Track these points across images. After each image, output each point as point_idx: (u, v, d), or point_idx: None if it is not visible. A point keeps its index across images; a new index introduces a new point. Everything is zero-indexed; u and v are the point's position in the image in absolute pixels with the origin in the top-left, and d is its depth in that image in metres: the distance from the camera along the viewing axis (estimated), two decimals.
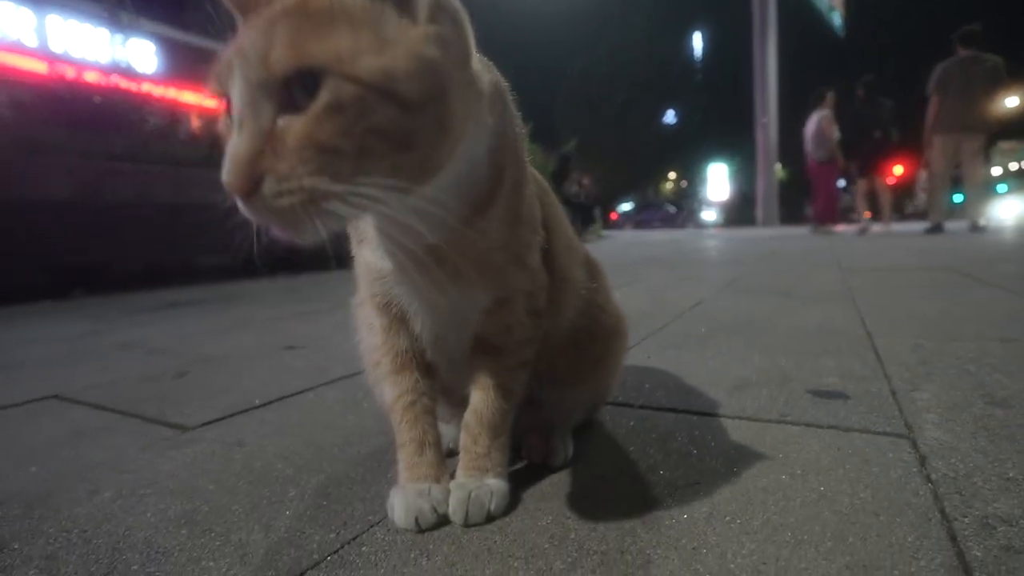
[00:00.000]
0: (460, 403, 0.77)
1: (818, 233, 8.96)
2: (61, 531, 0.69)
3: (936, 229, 6.82)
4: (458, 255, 0.62)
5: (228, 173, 0.44)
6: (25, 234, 4.09)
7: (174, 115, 9.42)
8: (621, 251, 6.84)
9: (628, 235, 14.47)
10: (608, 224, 19.18)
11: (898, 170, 10.51)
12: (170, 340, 2.03)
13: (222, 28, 0.49)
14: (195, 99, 11.48)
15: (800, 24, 22.67)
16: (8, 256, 3.96)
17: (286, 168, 0.43)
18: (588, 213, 10.90)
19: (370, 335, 0.77)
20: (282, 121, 0.44)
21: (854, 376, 1.19)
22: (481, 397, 0.71)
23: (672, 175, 39.06)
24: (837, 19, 24.49)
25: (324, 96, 0.42)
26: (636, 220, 26.22)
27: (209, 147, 6.59)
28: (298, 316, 2.50)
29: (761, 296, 2.54)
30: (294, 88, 0.43)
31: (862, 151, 7.95)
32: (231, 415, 1.13)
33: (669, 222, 25.09)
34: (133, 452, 0.96)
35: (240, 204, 0.45)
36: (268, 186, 0.43)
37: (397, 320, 0.72)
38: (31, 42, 9.55)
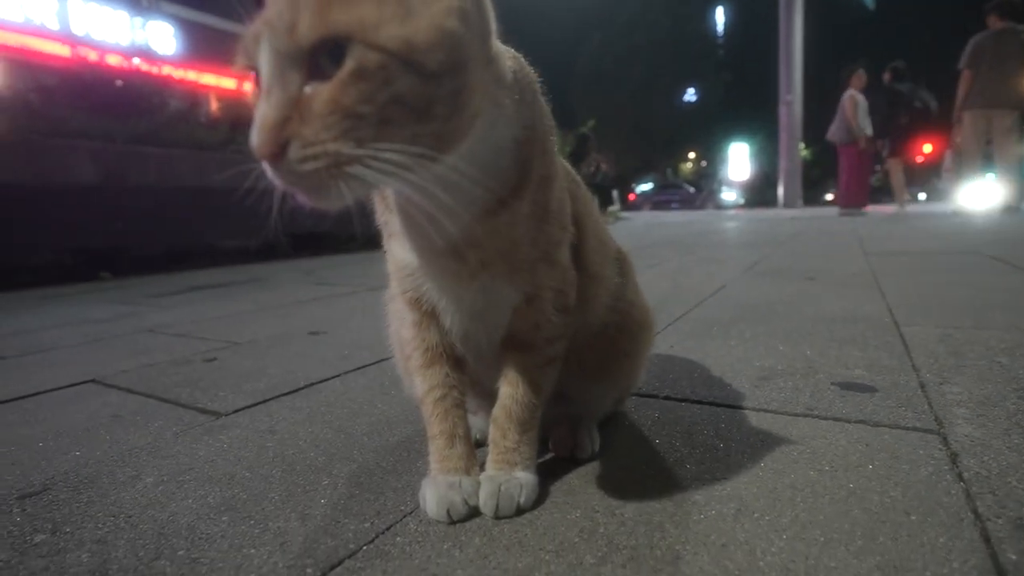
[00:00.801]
0: (489, 395, 0.78)
1: (845, 215, 8.76)
2: (108, 515, 0.72)
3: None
4: (482, 248, 0.63)
5: (256, 138, 0.45)
6: (53, 218, 4.18)
7: (195, 98, 9.49)
8: (640, 233, 6.78)
9: (647, 216, 14.32)
10: (626, 205, 18.99)
11: (927, 149, 10.20)
12: (196, 324, 2.08)
13: (242, 8, 0.49)
14: (215, 81, 11.54)
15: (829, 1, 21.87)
16: (37, 239, 4.07)
17: (311, 133, 0.44)
18: (606, 195, 10.79)
19: (401, 328, 0.78)
20: (309, 89, 0.45)
21: (881, 367, 1.17)
22: (510, 392, 0.72)
23: (692, 155, 38.38)
24: None
25: (349, 63, 0.44)
26: (655, 201, 25.89)
27: (229, 129, 6.64)
28: (319, 300, 2.54)
29: (784, 280, 2.50)
30: (320, 57, 0.45)
31: (892, 131, 7.73)
32: (262, 401, 1.16)
33: (688, 203, 24.75)
34: (170, 437, 0.99)
35: (268, 169, 0.47)
36: (294, 151, 0.45)
37: (427, 315, 0.72)
38: (53, 25, 9.64)
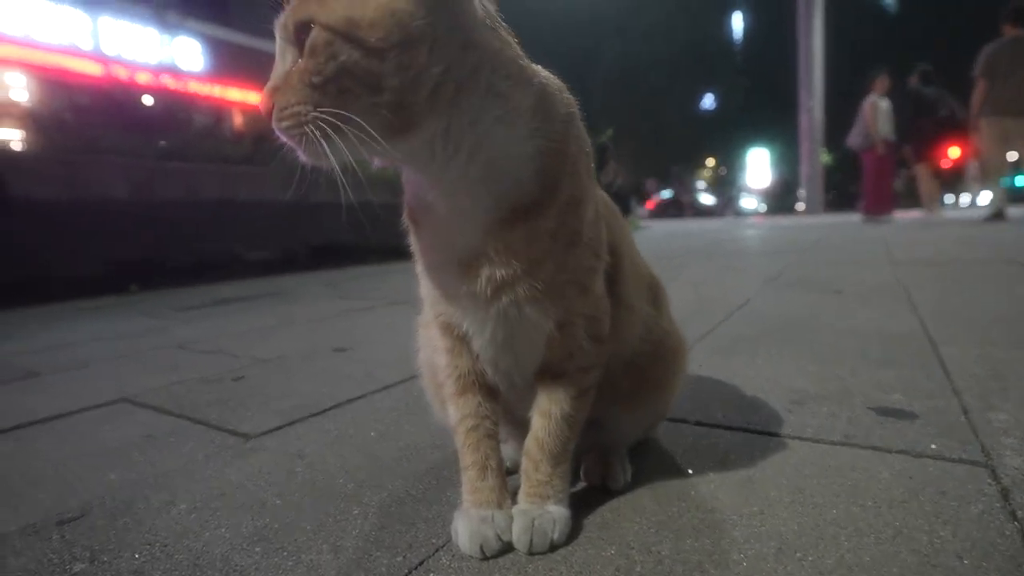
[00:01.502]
0: (521, 424, 0.78)
1: (869, 222, 8.60)
2: (144, 544, 0.73)
3: (996, 217, 6.45)
4: (496, 264, 0.62)
5: (260, 101, 0.57)
6: (85, 232, 4.29)
7: (220, 113, 9.70)
8: (661, 242, 6.73)
9: (666, 225, 14.21)
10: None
11: (954, 153, 9.99)
12: (223, 340, 2.11)
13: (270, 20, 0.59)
14: (240, 96, 11.79)
15: (849, 1, 21.61)
16: (72, 253, 4.18)
17: (283, 99, 0.55)
18: (625, 204, 10.76)
19: (434, 355, 0.78)
20: (296, 64, 0.55)
21: (920, 391, 1.14)
22: (542, 424, 0.71)
23: (710, 162, 38.06)
24: None
25: (308, 43, 0.53)
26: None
27: (253, 144, 6.77)
28: (342, 315, 2.56)
29: (810, 293, 2.45)
30: (303, 40, 0.54)
31: (915, 135, 7.59)
32: (290, 423, 1.17)
33: (707, 210, 24.51)
34: (201, 460, 1.00)
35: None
36: (275, 111, 0.55)
37: (459, 341, 0.72)
38: (86, 45, 9.97)
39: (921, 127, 7.51)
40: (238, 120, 11.24)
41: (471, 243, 0.63)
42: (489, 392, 0.74)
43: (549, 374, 0.71)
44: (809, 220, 12.08)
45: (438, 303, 0.71)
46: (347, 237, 6.10)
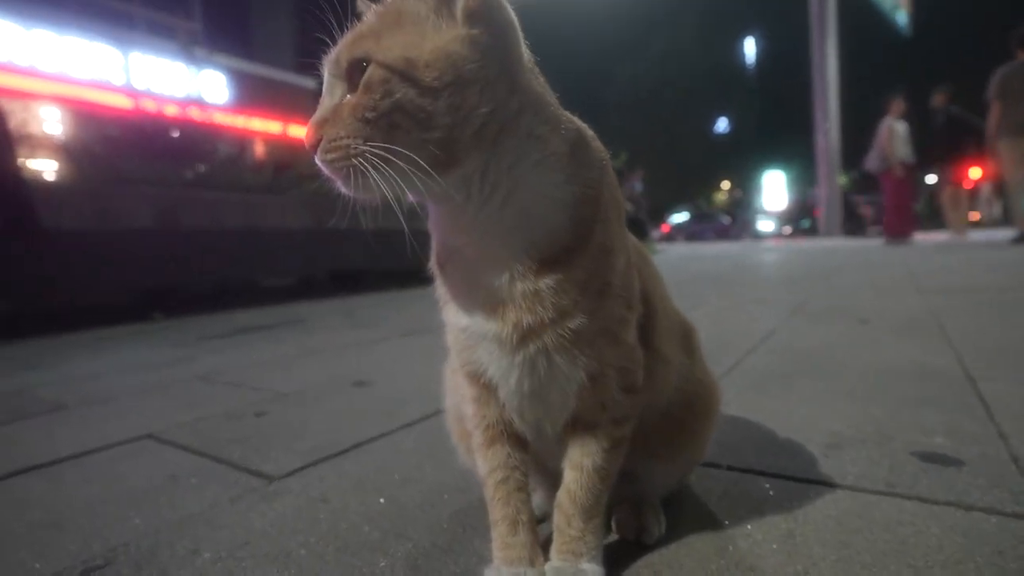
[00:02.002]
0: (551, 473, 0.76)
1: (891, 245, 8.48)
2: None
3: (1022, 240, 6.32)
4: (522, 311, 0.61)
5: (305, 133, 0.59)
6: (112, 260, 4.39)
7: (242, 142, 9.96)
8: (677, 267, 6.68)
9: (682, 248, 14.15)
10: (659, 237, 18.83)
11: (975, 173, 9.86)
12: (245, 371, 2.12)
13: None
14: (261, 126, 12.11)
15: (862, 24, 21.70)
16: (98, 281, 4.27)
17: (334, 131, 0.56)
18: (641, 228, 10.76)
19: (462, 404, 0.76)
20: (346, 99, 0.57)
21: (963, 434, 1.09)
22: (575, 477, 0.69)
23: (725, 184, 37.99)
24: (902, 18, 23.24)
25: (364, 79, 0.55)
26: (689, 232, 25.58)
27: (273, 173, 6.93)
28: (361, 346, 2.56)
29: (836, 323, 2.40)
30: (355, 76, 0.56)
31: (942, 157, 7.55)
32: (312, 463, 1.16)
33: (723, 234, 24.36)
34: (225, 504, 0.99)
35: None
36: (322, 144, 0.57)
37: (486, 390, 0.71)
38: (118, 80, 10.37)
39: (959, 146, 7.46)
40: (260, 149, 11.56)
41: (499, 288, 0.62)
42: (518, 442, 0.73)
43: (581, 425, 0.69)
44: (828, 243, 11.94)
45: (464, 351, 0.70)
46: (363, 263, 6.17)
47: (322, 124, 0.58)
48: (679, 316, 0.85)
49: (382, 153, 0.54)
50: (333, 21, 0.61)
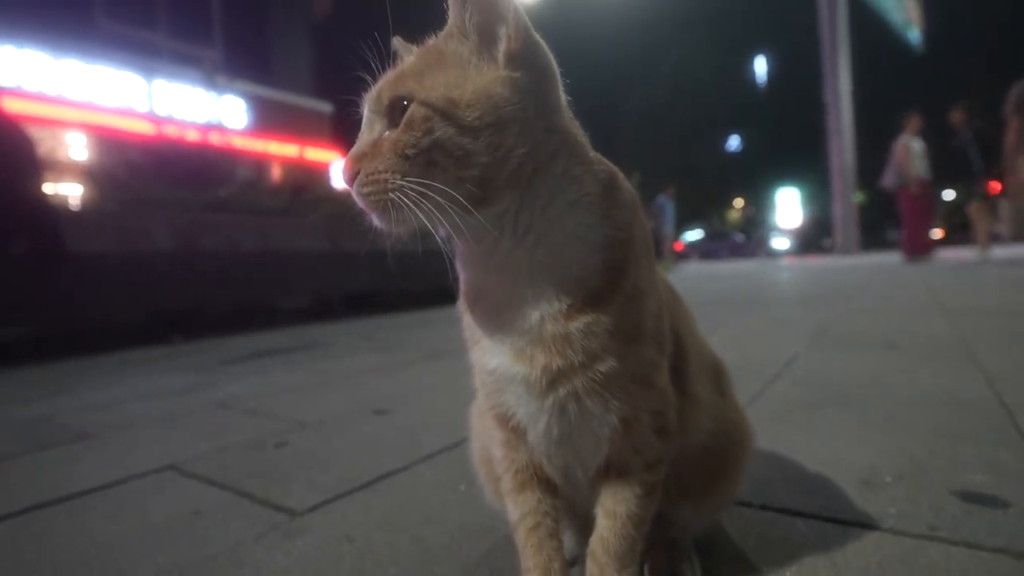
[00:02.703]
0: (580, 516, 0.74)
1: (910, 263, 8.36)
2: None
3: None
4: (553, 354, 0.60)
5: (342, 167, 0.60)
6: (133, 283, 4.47)
7: (260, 166, 10.16)
8: (693, 287, 6.63)
9: (696, 267, 14.06)
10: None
11: (994, 189, 9.74)
12: (264, 399, 2.12)
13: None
14: (279, 149, 12.37)
15: (874, 41, 21.71)
16: (119, 303, 4.34)
17: (372, 165, 0.57)
18: (656, 248, 10.78)
19: (491, 446, 0.75)
20: (384, 135, 0.59)
21: (1006, 472, 1.05)
22: (608, 525, 0.67)
23: (738, 202, 37.85)
24: (914, 35, 23.23)
25: (405, 116, 0.56)
26: (703, 250, 25.45)
27: (290, 195, 7.03)
28: (379, 371, 2.56)
29: (861, 349, 2.35)
30: (395, 114, 0.58)
31: (971, 174, 7.48)
32: (335, 498, 1.15)
33: (737, 252, 24.19)
34: (249, 541, 0.98)
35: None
36: (359, 177, 0.58)
37: (515, 434, 0.70)
38: (142, 107, 10.68)
39: (991, 162, 7.40)
40: (276, 172, 11.78)
41: (528, 330, 0.61)
42: (549, 487, 0.71)
43: (614, 471, 0.67)
44: (846, 261, 11.80)
45: (492, 394, 0.69)
46: (379, 284, 6.21)
47: (360, 158, 0.59)
48: (710, 353, 0.83)
49: (420, 188, 0.55)
50: (368, 56, 0.63)
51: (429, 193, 0.55)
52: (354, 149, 0.60)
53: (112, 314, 4.36)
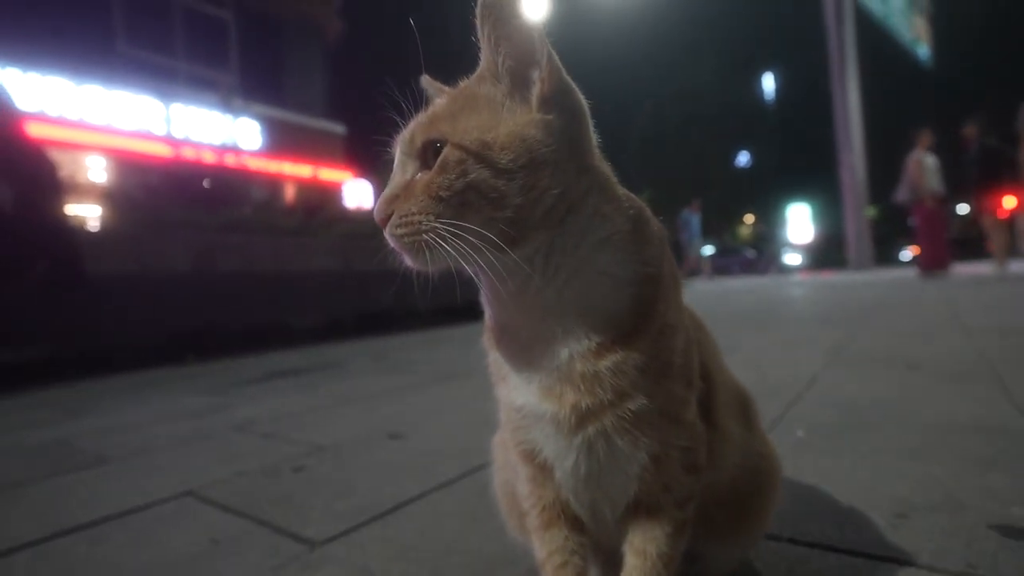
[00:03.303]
0: (605, 551, 0.73)
1: (926, 278, 8.26)
2: None
3: None
4: (581, 392, 0.59)
5: (375, 208, 0.60)
6: (150, 303, 4.52)
7: (274, 187, 10.30)
8: (705, 305, 6.57)
9: (707, 284, 13.97)
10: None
11: (1010, 202, 9.63)
12: (279, 422, 2.12)
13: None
14: (292, 170, 12.56)
15: (883, 56, 21.75)
16: (135, 323, 4.39)
17: (405, 207, 0.58)
18: (681, 262, 10.75)
19: (516, 482, 0.74)
20: (417, 177, 0.59)
21: None
22: (638, 564, 0.66)
23: (749, 218, 37.74)
24: (923, 51, 23.25)
25: (439, 158, 0.57)
26: (715, 267, 25.29)
27: (304, 216, 7.12)
28: (393, 393, 2.55)
29: (882, 369, 2.31)
30: (428, 156, 0.58)
31: (980, 187, 7.43)
32: (353, 527, 1.14)
33: (749, 268, 24.03)
34: (267, 573, 0.98)
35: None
36: (393, 219, 0.58)
37: (542, 470, 0.69)
38: (159, 130, 10.92)
39: (997, 177, 7.34)
40: (290, 192, 11.95)
41: (557, 368, 0.61)
42: (576, 524, 0.70)
43: (643, 509, 0.66)
44: (860, 277, 11.67)
45: (519, 430, 0.68)
46: (390, 303, 6.23)
47: (393, 200, 0.59)
48: (736, 385, 0.82)
49: (453, 229, 0.55)
50: (387, 85, 0.65)
51: (462, 234, 0.55)
52: (387, 191, 0.60)
53: (128, 335, 4.41)
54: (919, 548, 0.90)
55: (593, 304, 0.60)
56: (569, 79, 0.60)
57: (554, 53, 0.58)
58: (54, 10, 9.63)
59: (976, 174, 7.48)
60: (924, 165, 8.05)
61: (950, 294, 5.74)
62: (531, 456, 0.68)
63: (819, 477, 1.21)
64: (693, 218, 14.47)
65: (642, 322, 0.60)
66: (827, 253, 23.53)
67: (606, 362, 0.59)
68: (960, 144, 7.77)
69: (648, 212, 0.65)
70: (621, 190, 0.63)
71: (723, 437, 0.71)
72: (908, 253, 21.92)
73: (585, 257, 0.59)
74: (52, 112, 9.74)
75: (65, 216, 4.71)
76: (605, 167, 0.63)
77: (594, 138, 0.62)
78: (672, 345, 0.63)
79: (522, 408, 0.65)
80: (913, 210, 8.44)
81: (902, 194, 8.37)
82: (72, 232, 4.51)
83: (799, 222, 29.66)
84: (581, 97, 0.61)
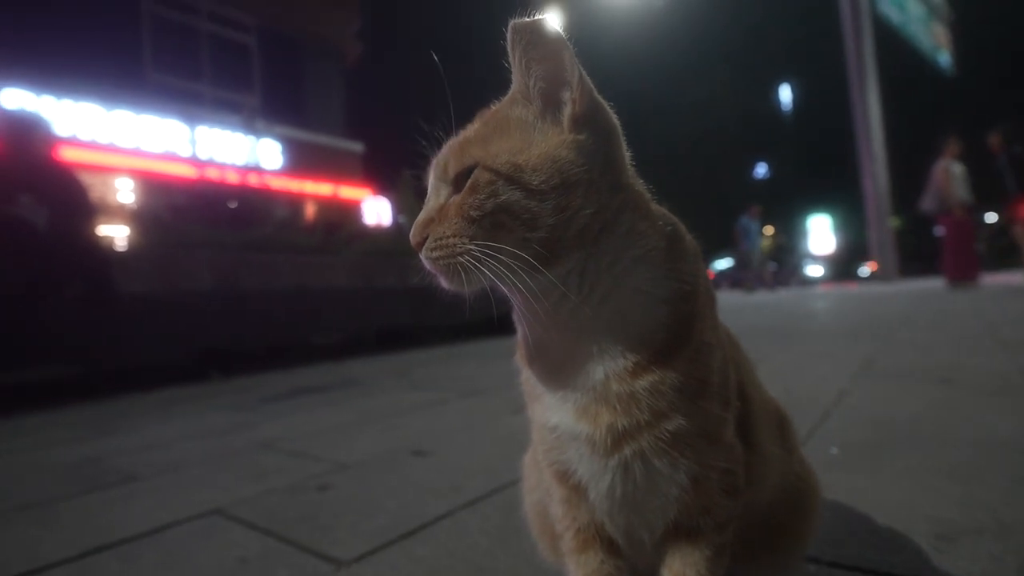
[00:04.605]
0: (641, 574, 0.71)
1: (955, 289, 8.04)
2: None
3: None
4: (617, 413, 0.59)
5: (411, 232, 0.61)
6: (174, 321, 4.60)
7: (295, 205, 10.49)
8: (727, 318, 6.48)
9: (728, 297, 13.80)
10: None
11: None
12: (304, 439, 2.13)
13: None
14: (312, 188, 12.78)
15: (903, 64, 21.50)
16: (160, 342, 4.47)
17: (440, 230, 0.59)
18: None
19: (550, 504, 0.73)
20: (450, 200, 0.60)
21: None
22: None
23: (768, 230, 37.34)
24: (944, 58, 22.94)
25: (470, 181, 0.58)
26: (733, 279, 24.95)
27: (324, 233, 7.22)
28: (417, 409, 2.55)
29: (915, 384, 2.25)
30: (461, 180, 0.59)
31: (1014, 196, 7.28)
32: (380, 547, 1.13)
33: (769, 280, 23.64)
34: None
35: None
36: (427, 242, 0.59)
37: (576, 492, 0.68)
38: (184, 151, 11.21)
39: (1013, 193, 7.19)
40: (311, 211, 12.16)
41: (592, 388, 0.60)
42: (612, 547, 0.69)
43: (682, 533, 0.65)
44: (885, 288, 11.42)
45: (552, 451, 0.68)
46: (410, 320, 6.26)
47: (428, 224, 0.60)
48: (773, 404, 0.80)
49: (487, 251, 0.56)
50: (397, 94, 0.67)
51: (496, 255, 0.55)
52: (421, 215, 0.62)
53: (156, 352, 4.49)
54: (966, 573, 0.86)
55: (629, 322, 0.60)
56: (600, 98, 0.60)
57: (585, 73, 0.58)
58: (87, 41, 10.03)
59: (1008, 183, 7.31)
60: (952, 174, 7.89)
61: (982, 306, 5.58)
62: (565, 477, 0.68)
63: (854, 496, 1.18)
64: (753, 225, 13.17)
65: (679, 341, 0.60)
66: (849, 264, 23.09)
67: (643, 382, 0.59)
68: (989, 153, 7.62)
69: (683, 228, 0.65)
70: (655, 207, 0.63)
71: (763, 459, 0.70)
72: (867, 269, 20.89)
73: (620, 275, 0.59)
74: (84, 136, 10.09)
75: (97, 238, 4.84)
76: (639, 184, 0.63)
77: (627, 156, 0.63)
78: (709, 363, 0.62)
79: (556, 428, 0.65)
80: (940, 220, 8.26)
81: (928, 203, 8.20)
82: (104, 254, 4.63)
83: (820, 233, 29.23)
84: (613, 116, 0.61)
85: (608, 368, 0.60)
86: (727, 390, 0.65)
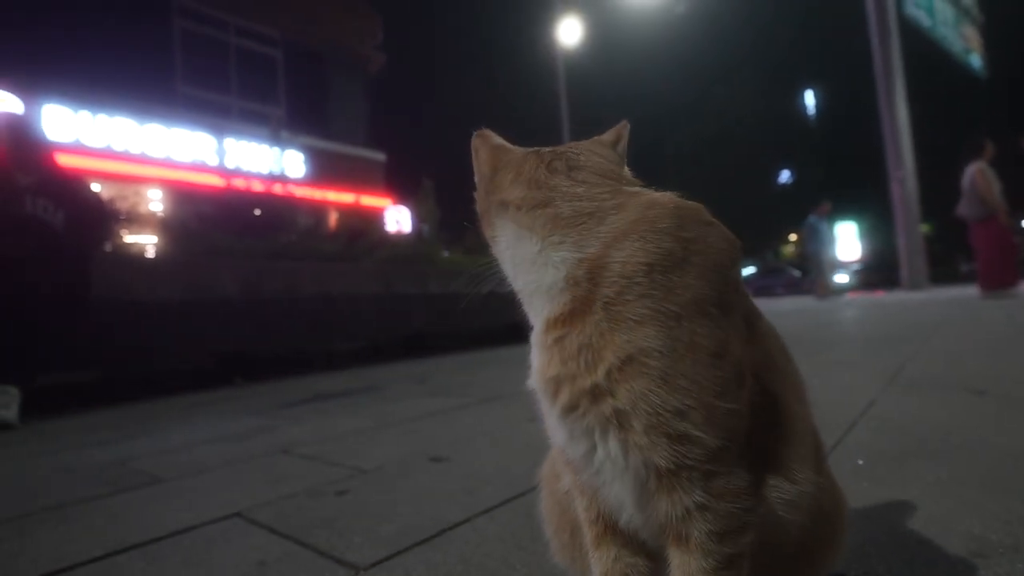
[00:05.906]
0: None
1: (989, 298, 7.77)
2: None
3: None
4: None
5: None
6: (199, 328, 4.70)
7: (318, 213, 10.66)
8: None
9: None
10: None
11: None
12: (323, 444, 2.15)
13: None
14: (335, 197, 12.98)
15: (933, 70, 21.03)
16: (186, 347, 4.57)
17: None
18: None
19: (572, 497, 0.73)
20: None
21: None
22: None
23: (792, 236, 36.68)
24: (976, 61, 22.34)
25: None
26: (757, 287, 24.59)
27: (347, 241, 7.31)
28: (435, 416, 2.56)
29: (945, 394, 2.18)
30: None
31: None
32: (397, 552, 1.13)
33: (793, 288, 23.23)
34: None
35: None
36: None
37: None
38: (212, 161, 11.51)
39: None
40: (334, 219, 12.35)
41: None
42: (629, 542, 0.68)
43: (673, 537, 0.61)
44: (915, 296, 11.10)
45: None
46: (431, 327, 6.30)
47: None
48: (811, 423, 0.77)
49: None
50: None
51: None
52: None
53: (180, 358, 4.59)
54: None
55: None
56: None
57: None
58: (121, 58, 10.40)
59: None
60: (991, 177, 7.60)
61: (1018, 314, 5.39)
62: (574, 464, 0.67)
63: (882, 509, 1.14)
64: (822, 224, 12.27)
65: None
66: (877, 272, 22.53)
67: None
68: (1019, 155, 7.37)
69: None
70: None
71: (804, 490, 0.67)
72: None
73: None
74: (118, 148, 10.43)
75: (114, 247, 4.96)
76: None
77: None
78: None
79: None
80: (977, 226, 7.92)
81: (966, 208, 7.88)
82: (123, 263, 4.74)
83: (846, 240, 28.61)
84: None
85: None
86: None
